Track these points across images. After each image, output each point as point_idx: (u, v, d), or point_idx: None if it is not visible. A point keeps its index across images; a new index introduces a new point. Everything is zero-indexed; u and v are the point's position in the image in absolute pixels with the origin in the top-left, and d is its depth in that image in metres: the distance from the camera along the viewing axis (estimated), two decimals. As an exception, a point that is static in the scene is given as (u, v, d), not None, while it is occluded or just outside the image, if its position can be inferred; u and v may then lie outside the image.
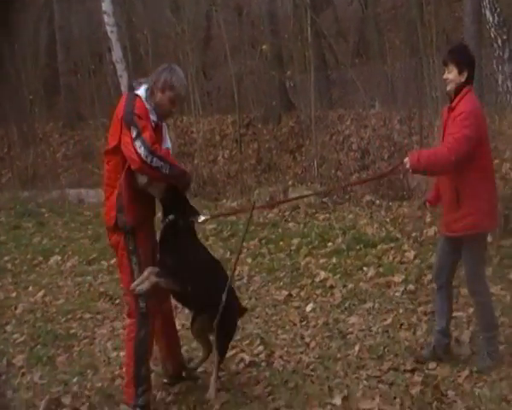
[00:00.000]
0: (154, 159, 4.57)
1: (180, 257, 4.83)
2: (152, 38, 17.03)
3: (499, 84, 11.71)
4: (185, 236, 4.96)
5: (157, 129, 4.90)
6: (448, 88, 5.01)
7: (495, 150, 9.48)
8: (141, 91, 4.83)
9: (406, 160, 4.87)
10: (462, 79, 4.93)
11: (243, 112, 15.01)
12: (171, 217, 4.89)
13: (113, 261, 9.15)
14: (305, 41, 13.55)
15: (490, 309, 5.16)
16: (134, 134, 4.56)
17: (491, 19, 11.76)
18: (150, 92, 4.83)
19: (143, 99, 4.78)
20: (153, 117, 4.83)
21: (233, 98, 14.23)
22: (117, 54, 16.07)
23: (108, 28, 16.00)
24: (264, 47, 14.20)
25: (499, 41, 11.66)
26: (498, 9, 11.66)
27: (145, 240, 4.86)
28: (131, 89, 4.94)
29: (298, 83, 14.28)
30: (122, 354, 6.13)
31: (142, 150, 4.54)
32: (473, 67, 5.03)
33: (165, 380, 5.39)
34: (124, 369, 5.13)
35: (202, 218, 5.09)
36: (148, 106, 4.79)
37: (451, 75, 4.96)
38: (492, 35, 11.83)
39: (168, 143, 5.14)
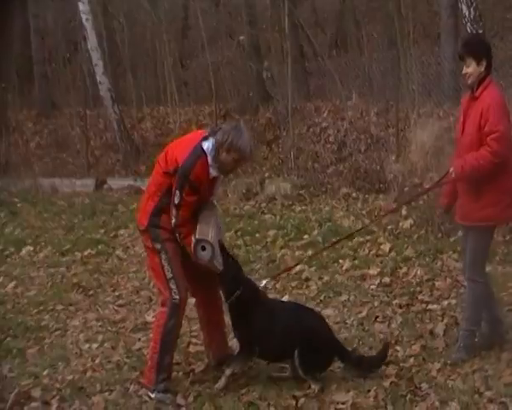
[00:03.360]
0: (177, 234, 4.87)
1: (259, 327, 4.95)
2: (128, 26, 16.87)
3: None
4: (255, 303, 5.02)
5: (213, 181, 4.99)
6: (469, 82, 4.89)
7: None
8: (207, 146, 4.84)
9: (452, 170, 4.87)
10: (482, 69, 4.83)
11: (220, 102, 14.91)
12: (238, 292, 4.93)
13: (86, 252, 9.06)
14: (283, 32, 13.50)
15: (479, 303, 5.09)
16: (176, 200, 4.77)
17: (467, 13, 11.74)
18: (216, 150, 4.83)
19: (208, 155, 4.82)
20: (213, 172, 4.90)
21: (210, 88, 14.17)
22: (92, 42, 15.91)
23: (83, 16, 15.82)
24: (241, 38, 14.11)
25: (476, 35, 11.66)
26: (474, 4, 11.66)
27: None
28: (212, 132, 4.96)
29: (275, 74, 14.23)
30: (95, 345, 6.07)
31: (173, 220, 4.82)
32: (490, 55, 4.91)
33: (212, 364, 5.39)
34: (149, 353, 5.14)
35: (264, 282, 5.35)
36: (210, 162, 4.83)
37: (471, 68, 4.85)
38: (469, 29, 11.81)
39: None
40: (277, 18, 13.98)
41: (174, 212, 4.78)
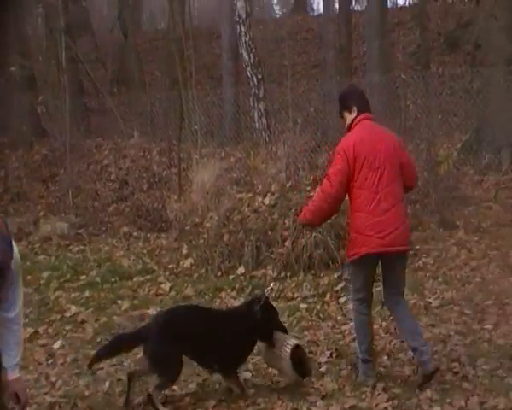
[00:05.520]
0: None
1: None
2: None
3: (255, 121, 12.14)
4: None
5: None
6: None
7: (250, 185, 9.80)
8: None
9: None
10: (354, 114, 5.00)
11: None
12: None
13: None
14: (60, 65, 12.93)
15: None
16: None
17: (247, 58, 12.20)
18: None
19: None
20: None
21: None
22: None
23: None
24: (12, 68, 13.23)
25: (255, 79, 12.10)
26: (254, 50, 12.13)
27: None
28: None
29: (51, 109, 13.55)
30: None
31: None
32: (358, 97, 5.11)
33: None
34: None
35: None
36: None
37: (347, 120, 5.06)
38: (249, 74, 12.26)
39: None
40: (54, 50, 13.36)
41: None
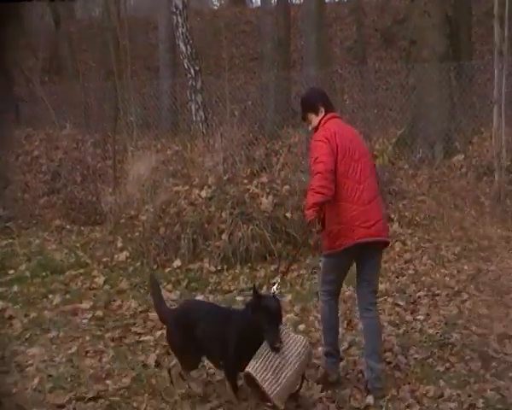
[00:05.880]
0: None
1: None
2: None
3: (192, 113, 12.04)
4: None
5: None
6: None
7: (187, 177, 9.69)
8: None
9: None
10: (322, 114, 4.93)
11: None
12: None
13: None
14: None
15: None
16: None
17: (184, 49, 12.08)
18: None
19: None
20: None
21: None
22: None
23: None
24: None
25: (192, 71, 12.01)
26: (191, 41, 12.02)
27: None
28: None
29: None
30: None
31: None
32: (323, 97, 5.04)
33: None
34: None
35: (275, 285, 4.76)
36: None
37: (312, 122, 4.98)
38: (186, 65, 12.14)
39: None
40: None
41: None
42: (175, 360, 4.95)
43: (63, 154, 11.87)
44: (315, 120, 4.96)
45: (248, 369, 4.30)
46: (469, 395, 4.62)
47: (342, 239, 4.69)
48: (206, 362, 5.31)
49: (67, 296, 7.21)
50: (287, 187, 8.51)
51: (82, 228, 9.90)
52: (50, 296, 7.21)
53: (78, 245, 9.12)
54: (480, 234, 8.05)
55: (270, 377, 4.23)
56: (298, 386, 4.54)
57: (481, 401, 4.54)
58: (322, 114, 4.94)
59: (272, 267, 7.50)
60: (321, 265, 5.08)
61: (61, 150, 11.99)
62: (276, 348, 4.28)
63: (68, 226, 10.05)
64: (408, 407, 4.53)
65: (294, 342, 4.38)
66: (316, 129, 4.95)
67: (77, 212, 10.29)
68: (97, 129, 12.25)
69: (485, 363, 5.07)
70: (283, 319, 4.80)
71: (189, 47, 12.08)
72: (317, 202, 4.56)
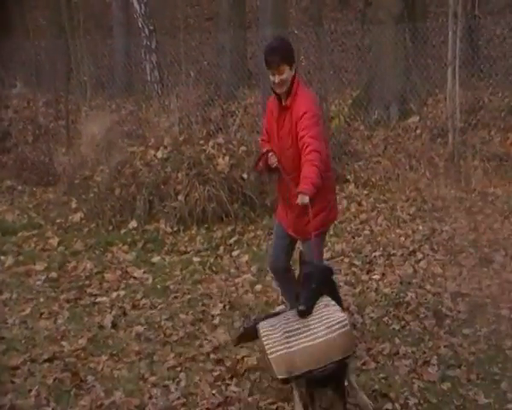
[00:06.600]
0: None
1: None
2: None
3: (147, 73, 11.84)
4: None
5: None
6: (283, 90, 4.31)
7: (142, 138, 9.57)
8: None
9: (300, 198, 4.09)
10: (293, 72, 4.32)
11: None
12: None
13: None
14: None
15: None
16: None
17: (138, 8, 11.84)
18: None
19: None
20: None
21: None
22: None
23: None
24: None
25: (146, 31, 11.80)
26: (145, 0, 11.78)
27: None
28: None
29: None
30: None
31: None
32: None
33: None
34: None
35: None
36: None
37: (285, 75, 4.27)
38: (140, 25, 11.91)
39: None
40: None
41: None
42: None
43: (14, 113, 11.57)
44: (288, 73, 4.28)
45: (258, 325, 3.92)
46: (424, 352, 4.73)
47: (336, 209, 4.77)
48: (164, 323, 5.33)
49: (20, 258, 7.10)
50: (243, 148, 8.45)
51: (34, 189, 9.71)
52: (2, 258, 7.10)
53: (30, 206, 8.97)
54: (435, 195, 8.16)
55: (277, 337, 3.71)
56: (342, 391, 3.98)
57: (435, 357, 4.64)
58: (293, 72, 4.33)
59: (229, 228, 7.49)
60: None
61: (12, 109, 11.68)
62: (300, 312, 3.77)
63: (20, 187, 9.84)
64: (364, 364, 4.61)
65: (327, 315, 3.73)
66: (289, 88, 4.32)
67: (29, 172, 10.05)
68: (49, 88, 11.93)
69: (439, 321, 5.19)
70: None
71: (143, 6, 11.85)
72: (317, 184, 4.14)
